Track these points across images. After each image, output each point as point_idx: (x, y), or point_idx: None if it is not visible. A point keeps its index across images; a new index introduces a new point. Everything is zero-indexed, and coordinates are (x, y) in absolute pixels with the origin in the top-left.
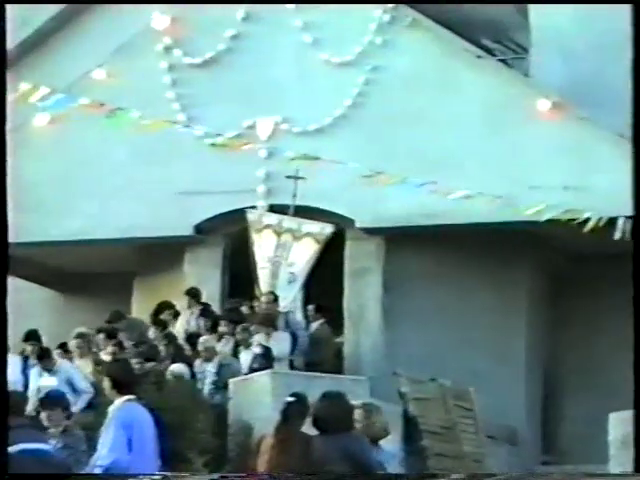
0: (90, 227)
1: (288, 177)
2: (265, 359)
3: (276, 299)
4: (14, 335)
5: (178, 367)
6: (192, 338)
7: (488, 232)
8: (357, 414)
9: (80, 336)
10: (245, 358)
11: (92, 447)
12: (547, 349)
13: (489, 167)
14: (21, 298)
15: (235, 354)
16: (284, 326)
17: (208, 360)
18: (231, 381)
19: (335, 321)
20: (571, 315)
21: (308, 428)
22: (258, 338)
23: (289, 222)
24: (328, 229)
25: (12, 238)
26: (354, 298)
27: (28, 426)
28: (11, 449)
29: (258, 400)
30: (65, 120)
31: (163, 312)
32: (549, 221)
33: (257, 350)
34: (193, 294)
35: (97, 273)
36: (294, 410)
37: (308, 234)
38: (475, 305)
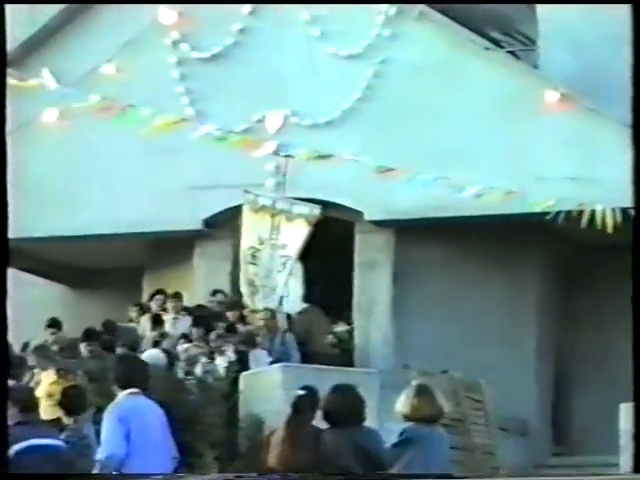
0: (99, 222)
1: (275, 154)
2: (240, 365)
3: (273, 316)
4: (26, 330)
5: (154, 352)
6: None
7: (497, 224)
8: (409, 396)
9: (38, 349)
10: (220, 365)
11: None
12: (558, 340)
13: (497, 159)
14: (32, 293)
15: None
16: (279, 343)
17: (189, 371)
18: (242, 375)
19: (332, 310)
20: (581, 306)
21: (319, 421)
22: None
23: (282, 203)
24: (316, 210)
25: (22, 233)
26: (364, 291)
27: (38, 422)
28: (21, 445)
29: (269, 393)
30: (74, 115)
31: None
32: (558, 213)
33: (231, 357)
34: (177, 298)
35: (107, 268)
36: (305, 403)
37: (299, 215)
38: (485, 297)
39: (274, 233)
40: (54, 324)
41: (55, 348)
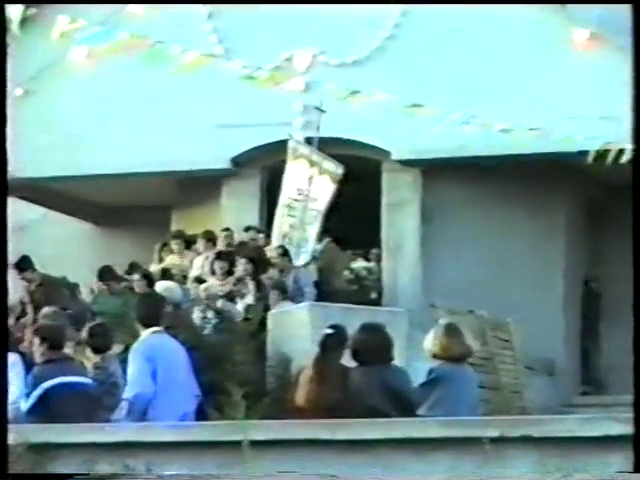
0: (126, 160)
1: (316, 108)
2: (259, 308)
3: (286, 253)
4: (53, 268)
5: (168, 284)
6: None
7: (525, 162)
8: (438, 334)
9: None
10: (240, 308)
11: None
12: (586, 279)
13: (527, 97)
14: (58, 231)
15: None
16: (293, 281)
17: (209, 307)
18: (270, 313)
19: (351, 246)
20: (610, 245)
21: (347, 360)
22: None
23: (316, 156)
24: (340, 170)
25: (49, 172)
26: (392, 230)
27: (67, 359)
28: (51, 382)
29: (296, 332)
30: (102, 53)
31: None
32: (587, 152)
33: (250, 301)
34: (209, 237)
35: (135, 206)
36: (332, 342)
37: (326, 171)
38: (513, 236)
39: (309, 184)
40: (23, 263)
41: (32, 288)
